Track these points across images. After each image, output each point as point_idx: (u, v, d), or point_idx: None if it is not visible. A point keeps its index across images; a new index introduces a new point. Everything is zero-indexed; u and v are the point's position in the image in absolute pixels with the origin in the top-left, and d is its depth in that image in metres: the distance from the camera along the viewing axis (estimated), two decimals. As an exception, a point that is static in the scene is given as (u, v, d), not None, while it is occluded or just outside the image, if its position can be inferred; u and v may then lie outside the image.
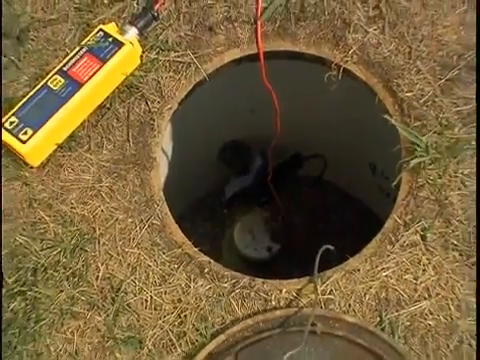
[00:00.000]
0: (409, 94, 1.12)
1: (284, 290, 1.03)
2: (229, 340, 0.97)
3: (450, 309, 0.98)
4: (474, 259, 1.00)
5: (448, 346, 0.96)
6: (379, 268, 1.02)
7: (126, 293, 1.04)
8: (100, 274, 1.05)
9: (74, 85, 1.11)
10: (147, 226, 1.09)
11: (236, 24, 1.21)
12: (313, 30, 1.20)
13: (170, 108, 1.19)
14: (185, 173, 1.57)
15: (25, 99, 1.11)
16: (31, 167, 1.12)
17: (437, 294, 0.99)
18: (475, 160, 1.06)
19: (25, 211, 1.10)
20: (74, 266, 1.05)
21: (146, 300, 1.03)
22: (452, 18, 1.16)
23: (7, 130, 1.09)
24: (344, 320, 0.97)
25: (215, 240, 1.86)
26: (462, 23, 1.15)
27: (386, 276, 1.02)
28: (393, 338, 0.97)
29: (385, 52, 1.16)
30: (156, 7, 1.19)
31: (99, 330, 1.02)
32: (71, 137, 1.14)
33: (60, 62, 1.15)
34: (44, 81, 1.13)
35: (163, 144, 1.24)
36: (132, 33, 1.17)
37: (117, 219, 1.09)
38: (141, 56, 1.18)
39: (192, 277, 1.05)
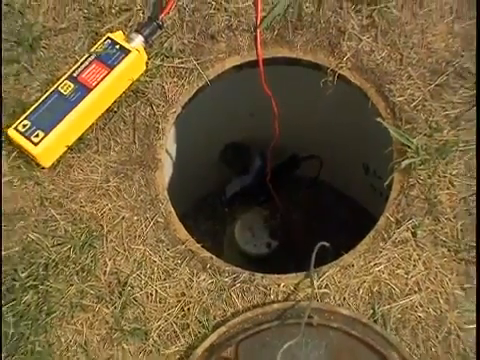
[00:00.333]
0: (400, 98, 1.13)
1: (282, 284, 1.03)
2: (230, 332, 0.97)
3: (439, 302, 0.99)
4: (461, 255, 1.01)
5: (437, 337, 0.97)
6: (372, 263, 1.02)
7: (132, 287, 1.04)
8: (108, 269, 1.05)
9: (83, 90, 1.12)
10: (152, 224, 1.09)
11: (237, 32, 1.21)
12: (310, 38, 1.20)
13: (174, 112, 1.19)
14: (188, 173, 1.57)
15: (37, 103, 1.12)
16: (43, 168, 1.12)
17: (427, 288, 1.00)
18: (462, 161, 1.06)
19: (37, 209, 1.10)
20: (83, 261, 1.05)
21: (151, 294, 1.04)
22: (441, 27, 1.16)
23: (20, 132, 1.09)
24: (339, 313, 0.97)
25: (217, 237, 1.85)
26: (450, 32, 1.15)
27: (379, 271, 1.02)
28: (385, 330, 0.97)
29: (378, 59, 1.16)
30: (161, 16, 1.19)
31: (107, 322, 1.02)
32: (80, 139, 1.14)
33: (70, 68, 1.15)
34: (55, 86, 1.13)
35: (167, 146, 1.24)
36: (138, 41, 1.17)
37: (124, 217, 1.09)
38: (146, 62, 1.18)
39: (195, 272, 1.05)
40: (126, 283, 1.04)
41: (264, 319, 0.98)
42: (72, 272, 1.05)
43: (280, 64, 1.24)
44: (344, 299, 1.01)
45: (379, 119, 1.12)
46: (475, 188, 1.04)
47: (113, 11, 1.23)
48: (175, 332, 1.01)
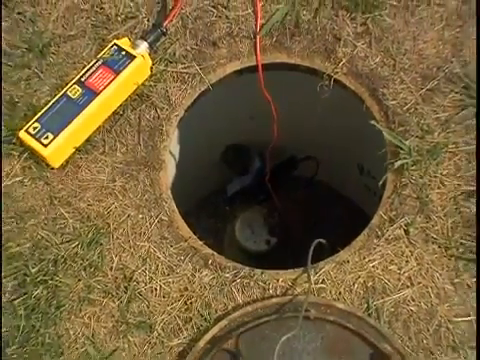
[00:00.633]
0: (393, 102, 1.13)
1: (280, 279, 1.03)
2: (231, 325, 0.98)
3: (430, 296, 0.99)
4: (451, 251, 1.01)
5: (428, 330, 0.97)
6: (366, 260, 1.02)
7: (137, 282, 1.04)
8: (114, 265, 1.06)
9: (91, 94, 1.12)
10: (156, 222, 1.09)
11: (237, 39, 1.21)
12: (307, 44, 1.20)
13: (177, 115, 1.19)
14: (191, 173, 1.57)
15: (47, 107, 1.12)
16: (52, 168, 1.12)
17: (418, 283, 1.00)
18: (452, 162, 1.06)
19: (47, 208, 1.10)
20: (90, 258, 1.06)
21: (155, 289, 1.04)
22: (431, 34, 1.16)
23: (31, 135, 1.09)
24: (335, 307, 0.97)
25: (218, 234, 1.85)
26: (440, 39, 1.15)
27: (373, 267, 1.02)
28: (379, 323, 0.97)
29: (372, 64, 1.16)
30: (165, 24, 1.19)
31: (113, 315, 1.02)
32: (88, 141, 1.15)
33: (78, 73, 1.15)
34: (64, 90, 1.13)
35: (171, 147, 1.24)
36: (143, 47, 1.17)
37: (129, 215, 1.10)
38: (151, 68, 1.18)
39: (197, 268, 1.05)
40: (131, 278, 1.04)
41: (263, 313, 0.98)
42: (80, 268, 1.05)
43: (279, 69, 1.24)
44: (340, 293, 1.01)
45: (373, 122, 1.12)
46: (465, 188, 1.04)
47: (119, 19, 1.23)
48: (178, 325, 1.01)
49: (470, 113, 1.09)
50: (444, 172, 1.06)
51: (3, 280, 1.04)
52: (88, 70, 1.14)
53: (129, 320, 1.02)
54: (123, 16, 1.23)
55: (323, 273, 1.02)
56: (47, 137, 1.09)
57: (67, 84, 1.15)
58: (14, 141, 1.13)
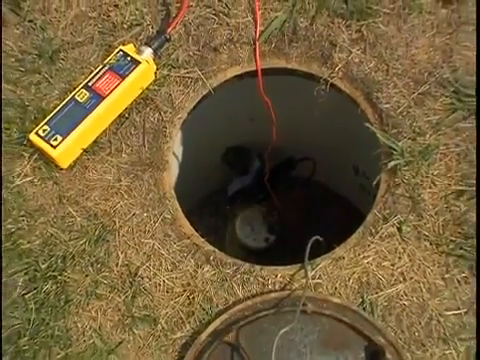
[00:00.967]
0: (387, 105, 1.13)
1: (279, 275, 1.03)
2: (231, 318, 0.98)
3: (422, 291, 0.99)
4: (442, 248, 1.01)
5: (420, 323, 0.97)
6: (361, 256, 1.03)
7: (142, 278, 1.04)
8: (120, 261, 1.06)
9: (97, 98, 1.12)
10: (160, 220, 1.09)
11: (237, 45, 1.21)
12: (304, 50, 1.20)
13: (180, 117, 1.19)
14: (193, 174, 1.57)
15: (56, 110, 1.12)
16: (61, 169, 1.13)
17: (411, 278, 1.00)
18: (443, 162, 1.06)
19: (55, 206, 1.10)
20: (97, 254, 1.06)
21: (159, 284, 1.04)
22: (423, 41, 1.16)
23: (40, 137, 1.09)
24: (331, 301, 0.97)
25: (219, 232, 1.85)
26: (432, 45, 1.15)
27: (367, 263, 1.02)
28: (373, 316, 0.97)
29: (366, 69, 1.16)
30: (168, 30, 1.19)
31: (119, 309, 1.03)
32: (95, 142, 1.15)
33: (86, 78, 1.16)
34: (72, 94, 1.13)
35: (174, 149, 1.23)
36: (148, 53, 1.17)
37: (134, 214, 1.10)
38: (155, 72, 1.19)
39: (199, 264, 1.05)
40: (136, 274, 1.04)
41: (262, 307, 0.98)
42: (87, 264, 1.05)
43: (277, 74, 1.24)
44: (335, 289, 1.01)
45: (368, 124, 1.12)
46: (455, 187, 1.04)
47: (125, 26, 1.23)
48: (181, 319, 1.01)
49: (460, 116, 1.09)
50: (435, 172, 1.06)
51: (15, 275, 1.05)
52: (95, 75, 1.15)
53: (134, 314, 1.02)
54: (129, 23, 1.23)
55: (320, 269, 1.02)
56: (56, 139, 1.09)
57: (75, 88, 1.15)
58: (25, 143, 1.13)
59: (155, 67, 1.18)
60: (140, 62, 1.15)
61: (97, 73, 1.15)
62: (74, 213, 1.10)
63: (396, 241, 1.03)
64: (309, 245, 0.99)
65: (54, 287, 1.03)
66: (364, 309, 0.98)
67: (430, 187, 1.05)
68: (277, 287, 1.02)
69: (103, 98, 1.12)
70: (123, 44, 1.20)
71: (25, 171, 1.12)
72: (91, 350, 1.00)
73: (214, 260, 1.05)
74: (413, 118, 1.11)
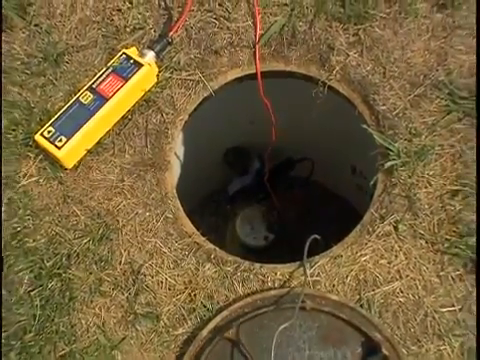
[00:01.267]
0: (383, 107, 1.13)
1: (278, 273, 1.03)
2: (232, 315, 0.98)
3: (417, 288, 0.99)
4: (438, 246, 1.01)
5: (415, 319, 0.97)
6: (358, 254, 1.03)
7: (145, 275, 1.04)
8: (123, 259, 1.06)
9: (101, 100, 1.12)
10: (162, 219, 1.09)
11: (238, 48, 1.21)
12: (303, 53, 1.20)
13: (182, 119, 1.19)
14: (194, 174, 1.57)
15: (60, 112, 1.12)
16: (65, 169, 1.13)
17: (407, 276, 1.00)
18: (438, 163, 1.06)
19: (60, 206, 1.11)
20: (101, 252, 1.06)
21: (162, 281, 1.04)
22: (419, 44, 1.16)
23: (46, 138, 1.09)
24: (329, 298, 0.98)
25: (220, 231, 1.84)
26: (427, 49, 1.15)
27: (364, 261, 1.02)
28: (370, 313, 0.97)
29: (363, 72, 1.16)
30: (170, 34, 1.19)
31: (122, 306, 1.03)
32: (98, 143, 1.15)
33: (90, 81, 1.16)
34: (76, 96, 1.13)
35: (176, 149, 1.24)
36: (150, 56, 1.17)
37: (137, 213, 1.10)
38: (157, 75, 1.19)
39: (201, 262, 1.05)
40: (139, 272, 1.05)
41: (262, 304, 0.98)
42: (91, 262, 1.06)
43: (277, 77, 1.24)
44: (333, 286, 1.01)
45: (365, 125, 1.12)
46: (450, 187, 1.04)
47: (128, 30, 1.23)
48: (183, 315, 1.02)
49: (454, 117, 1.09)
50: (431, 173, 1.06)
51: (21, 272, 1.05)
52: (99, 77, 1.15)
53: (137, 311, 1.02)
54: (131, 27, 1.23)
55: (318, 267, 1.02)
56: (61, 140, 1.09)
57: (79, 90, 1.15)
58: (30, 144, 1.13)
59: (157, 70, 1.18)
60: (143, 65, 1.15)
61: (101, 75, 1.15)
62: (78, 212, 1.10)
63: (392, 240, 1.03)
64: (308, 243, 0.99)
65: (59, 284, 1.04)
66: (361, 306, 0.98)
67: (426, 187, 1.05)
68: (276, 284, 1.02)
69: (107, 100, 1.12)
70: (126, 47, 1.20)
71: (31, 171, 1.13)
72: (95, 346, 1.00)
73: (215, 258, 1.05)
74: (409, 120, 1.10)
